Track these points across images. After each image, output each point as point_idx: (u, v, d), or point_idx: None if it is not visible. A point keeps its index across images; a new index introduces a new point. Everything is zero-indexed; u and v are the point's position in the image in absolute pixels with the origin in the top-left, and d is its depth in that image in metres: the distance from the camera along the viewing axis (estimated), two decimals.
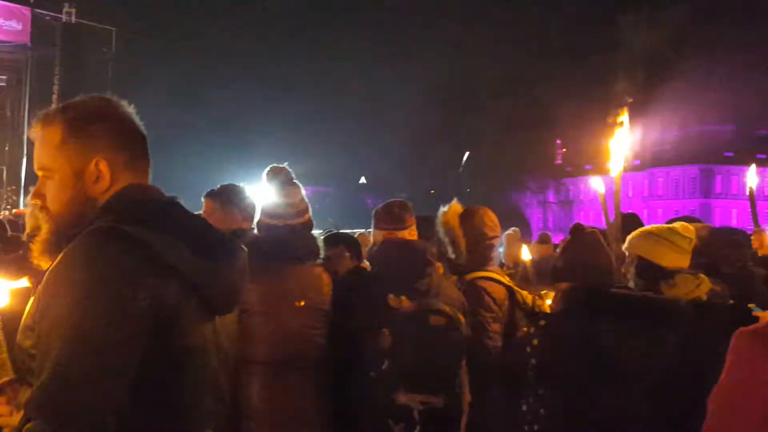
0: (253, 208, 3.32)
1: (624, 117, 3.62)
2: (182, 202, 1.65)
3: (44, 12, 16.87)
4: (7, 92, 19.17)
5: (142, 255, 1.38)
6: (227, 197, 3.27)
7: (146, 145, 1.63)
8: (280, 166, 3.13)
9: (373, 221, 3.33)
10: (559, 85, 48.78)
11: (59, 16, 16.90)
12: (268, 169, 3.12)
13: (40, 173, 1.55)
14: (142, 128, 1.62)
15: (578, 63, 51.75)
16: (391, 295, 2.98)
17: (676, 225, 3.15)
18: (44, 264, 1.49)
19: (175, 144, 17.51)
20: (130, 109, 1.61)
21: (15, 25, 16.74)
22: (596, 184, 4.80)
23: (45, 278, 1.40)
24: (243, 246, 1.72)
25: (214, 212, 3.20)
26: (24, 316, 1.45)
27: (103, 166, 1.51)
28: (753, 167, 5.51)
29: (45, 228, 1.53)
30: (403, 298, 2.99)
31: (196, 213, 2.86)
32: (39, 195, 1.54)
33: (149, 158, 1.63)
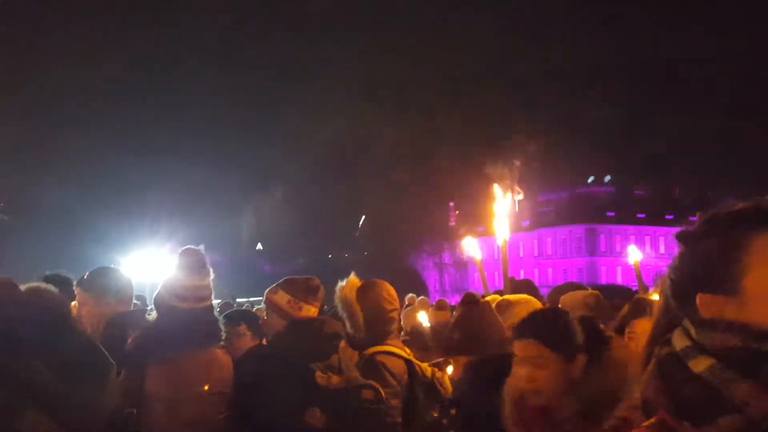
0: (129, 288, 3.28)
1: (507, 183, 3.91)
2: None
3: None
4: None
5: (14, 391, 1.32)
6: (99, 285, 3.21)
7: None
8: (195, 248, 3.10)
9: (278, 294, 3.25)
10: (451, 148, 50.56)
11: None
12: (181, 250, 3.08)
13: None
14: None
15: (470, 125, 53.94)
16: (318, 373, 2.96)
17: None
18: None
19: (63, 214, 16.82)
20: None
21: None
22: (470, 247, 4.92)
23: None
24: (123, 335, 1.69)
25: (87, 302, 3.16)
26: None
27: None
28: (633, 246, 5.88)
29: None
30: (330, 374, 2.99)
31: (71, 304, 2.77)
32: None
33: None
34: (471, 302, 3.13)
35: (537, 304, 3.54)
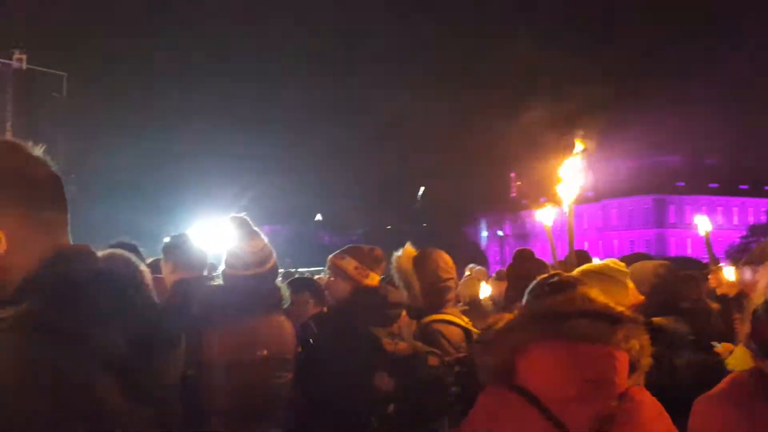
0: (203, 256, 3.35)
1: (578, 148, 3.73)
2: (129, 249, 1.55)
3: None
4: None
5: (91, 360, 1.32)
6: (177, 251, 3.30)
7: (58, 192, 1.47)
8: (240, 215, 3.14)
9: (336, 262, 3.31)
10: (512, 117, 49.75)
11: (9, 62, 16.82)
12: (228, 218, 3.15)
13: None
14: (52, 174, 1.47)
15: (532, 94, 52.90)
16: (385, 339, 3.02)
17: (608, 261, 3.24)
18: None
19: (127, 186, 17.33)
20: (36, 152, 1.45)
21: None
22: (543, 216, 4.90)
23: None
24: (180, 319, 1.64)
25: (166, 265, 3.27)
26: None
27: None
28: (702, 216, 5.72)
29: None
30: (398, 341, 3.04)
31: (149, 263, 2.86)
32: None
33: (64, 206, 1.48)
34: (521, 254, 3.07)
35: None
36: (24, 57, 16.72)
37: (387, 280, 3.57)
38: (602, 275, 3.06)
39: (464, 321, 3.62)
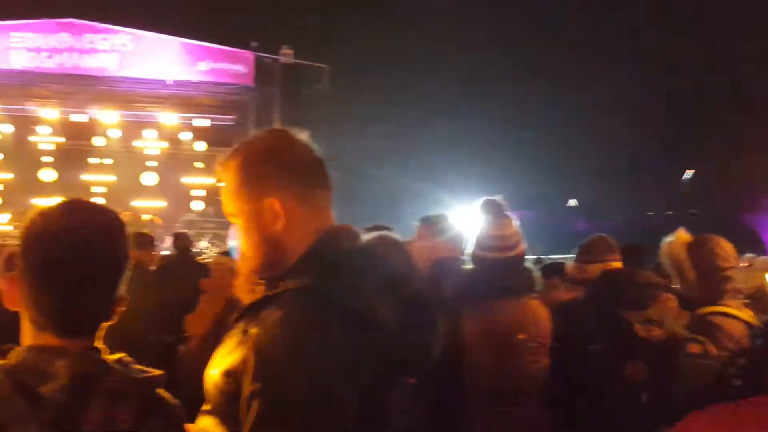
0: (460, 240, 3.40)
1: None
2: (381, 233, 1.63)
3: (265, 54, 18.55)
4: (234, 131, 21.23)
5: (361, 327, 1.40)
6: (439, 226, 3.41)
7: (325, 174, 1.60)
8: (493, 197, 3.17)
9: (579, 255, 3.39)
10: None
11: (278, 57, 18.47)
12: (481, 200, 3.18)
13: (229, 218, 1.60)
14: (319, 157, 1.59)
15: None
16: (638, 325, 2.92)
17: None
18: (245, 298, 1.58)
19: (386, 173, 18.17)
20: (304, 138, 1.59)
21: (240, 68, 18.62)
22: None
23: (258, 335, 1.39)
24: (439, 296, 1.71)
25: (424, 238, 3.37)
26: (226, 358, 1.48)
27: (277, 206, 1.50)
28: None
29: (243, 268, 1.60)
30: (651, 326, 2.93)
31: (404, 241, 2.98)
32: (233, 238, 1.60)
33: (330, 188, 1.60)
34: None
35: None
36: (291, 52, 18.34)
37: (655, 268, 3.39)
38: None
39: (747, 314, 3.24)
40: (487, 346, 2.93)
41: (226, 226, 1.60)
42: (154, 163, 23.32)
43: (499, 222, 3.08)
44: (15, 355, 1.29)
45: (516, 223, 3.14)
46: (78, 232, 1.31)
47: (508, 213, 3.13)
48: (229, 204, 1.58)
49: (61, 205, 1.36)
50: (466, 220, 4.00)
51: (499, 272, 3.02)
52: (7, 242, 11.79)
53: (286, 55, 18.39)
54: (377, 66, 19.48)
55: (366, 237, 1.62)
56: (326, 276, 1.44)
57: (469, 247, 3.22)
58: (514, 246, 3.09)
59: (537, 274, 3.24)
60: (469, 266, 3.21)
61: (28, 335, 1.33)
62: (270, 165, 1.54)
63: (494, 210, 3.11)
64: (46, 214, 1.34)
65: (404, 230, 4.28)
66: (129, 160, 23.04)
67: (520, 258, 3.14)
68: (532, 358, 2.99)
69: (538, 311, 3.09)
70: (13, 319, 1.36)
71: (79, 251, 1.30)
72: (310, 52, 18.54)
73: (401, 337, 1.46)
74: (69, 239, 1.30)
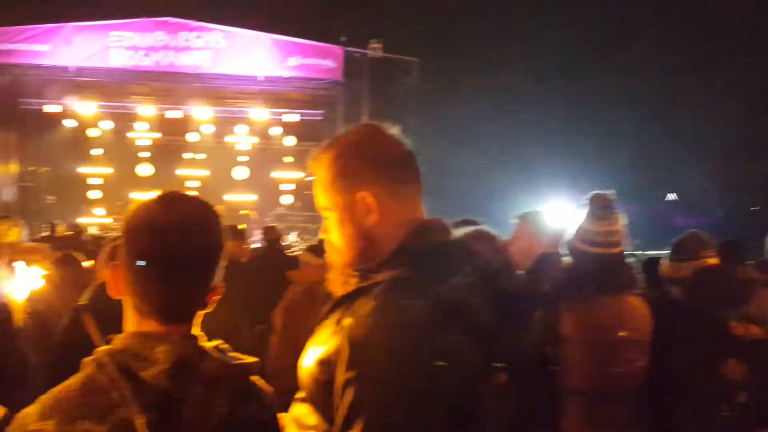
0: (561, 235, 3.39)
1: None
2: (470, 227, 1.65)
3: (353, 49, 18.71)
4: (323, 126, 21.55)
5: (454, 319, 1.40)
6: (539, 223, 3.40)
7: (416, 168, 1.63)
8: (603, 192, 3.13)
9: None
10: None
11: (366, 51, 18.60)
12: (590, 195, 3.14)
13: (321, 212, 1.64)
14: (410, 150, 1.63)
15: None
16: (733, 322, 2.85)
17: None
18: (338, 291, 1.61)
19: (478, 167, 18.01)
20: (395, 132, 1.63)
21: (329, 63, 18.86)
22: None
23: (351, 325, 1.42)
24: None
25: (524, 234, 3.37)
26: (320, 348, 1.51)
27: (369, 199, 1.54)
28: None
29: (335, 261, 1.64)
30: (748, 324, 2.85)
31: (498, 236, 3.01)
32: (325, 231, 1.64)
33: (420, 181, 1.62)
34: None
35: None
36: (380, 46, 18.41)
37: (758, 264, 3.29)
38: None
39: None
40: (586, 343, 2.90)
41: (315, 219, 1.65)
42: (245, 158, 23.98)
43: (608, 217, 3.05)
44: (119, 341, 1.35)
45: (624, 220, 3.11)
46: (177, 224, 1.37)
47: (617, 209, 3.10)
48: (322, 198, 1.61)
49: (160, 198, 1.42)
50: (562, 214, 3.99)
51: (602, 268, 3.00)
52: (107, 234, 12.41)
53: (375, 49, 18.49)
54: (467, 58, 19.31)
55: (460, 231, 1.63)
56: (419, 268, 1.46)
57: (570, 241, 3.19)
58: (619, 243, 3.07)
59: (636, 270, 3.22)
60: (568, 260, 3.19)
61: (130, 322, 1.39)
62: (362, 159, 1.57)
63: (604, 205, 3.07)
64: (147, 207, 1.40)
65: (497, 224, 4.27)
66: (221, 155, 23.78)
67: (622, 255, 3.11)
68: (633, 357, 2.94)
69: (640, 308, 3.04)
70: (117, 307, 1.44)
71: (178, 242, 1.35)
72: (399, 45, 18.57)
73: (493, 332, 1.47)
74: (169, 230, 1.35)
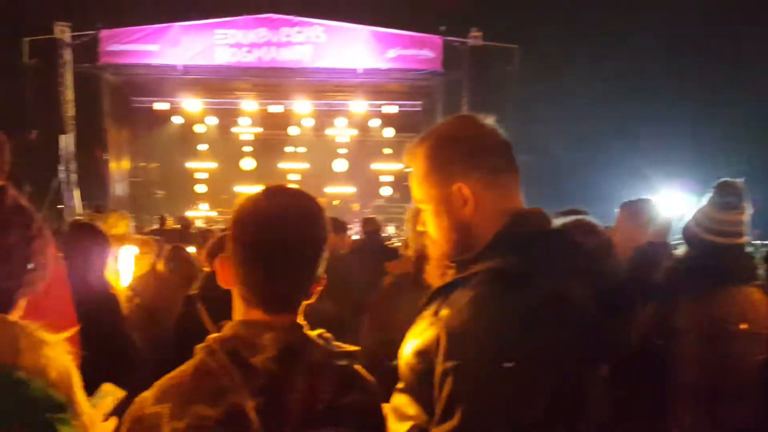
0: (667, 225, 3.34)
1: None
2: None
3: (453, 38, 18.61)
4: (421, 117, 21.58)
5: (555, 309, 1.40)
6: (643, 212, 3.33)
7: (512, 158, 1.62)
8: (732, 180, 3.05)
9: None
10: None
11: (466, 40, 18.46)
12: (719, 182, 3.06)
13: (418, 204, 1.66)
14: (506, 140, 1.62)
15: None
16: None
17: None
18: (435, 282, 1.62)
19: (583, 156, 17.57)
20: (490, 122, 1.63)
21: (428, 53, 18.84)
22: None
23: (449, 316, 1.44)
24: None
25: (626, 224, 3.31)
26: (417, 339, 1.53)
27: (465, 190, 1.55)
28: None
29: (432, 253, 1.66)
30: None
31: (602, 225, 2.97)
32: (423, 224, 1.66)
33: (517, 171, 1.62)
34: None
35: None
36: (480, 34, 18.24)
37: None
38: None
39: None
40: (704, 335, 2.82)
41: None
42: (344, 150, 24.33)
43: (736, 206, 2.97)
44: (228, 329, 1.42)
45: (749, 210, 3.01)
46: (283, 216, 1.41)
47: (746, 198, 3.00)
48: (418, 190, 1.64)
49: (267, 191, 1.47)
50: (673, 203, 3.89)
51: (723, 259, 2.92)
52: (212, 227, 12.87)
53: (475, 37, 18.33)
54: (570, 44, 18.83)
55: (559, 220, 1.62)
56: (517, 257, 1.46)
57: (690, 229, 3.10)
58: (743, 233, 2.98)
59: (759, 261, 3.09)
60: (682, 249, 3.11)
61: (238, 311, 1.45)
62: (457, 150, 1.58)
63: (733, 193, 2.98)
64: (254, 200, 1.45)
65: (603, 214, 4.20)
66: (321, 148, 24.23)
67: (744, 245, 3.02)
68: (753, 350, 2.84)
69: (759, 300, 2.93)
70: (226, 296, 1.52)
71: (284, 233, 1.40)
72: (499, 33, 18.32)
73: (596, 323, 1.45)
74: (275, 222, 1.40)
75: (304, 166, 24.42)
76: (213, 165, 24.56)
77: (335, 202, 22.32)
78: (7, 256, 1.37)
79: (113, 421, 1.53)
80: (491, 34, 18.32)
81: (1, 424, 1.17)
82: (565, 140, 17.43)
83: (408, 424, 1.49)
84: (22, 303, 1.40)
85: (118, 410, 1.75)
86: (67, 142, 18.39)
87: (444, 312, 1.45)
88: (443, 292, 1.54)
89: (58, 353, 1.31)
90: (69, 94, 18.44)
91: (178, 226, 12.20)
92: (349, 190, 24.43)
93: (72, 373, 1.33)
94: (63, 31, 18.30)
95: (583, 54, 18.77)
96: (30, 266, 1.40)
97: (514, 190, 1.61)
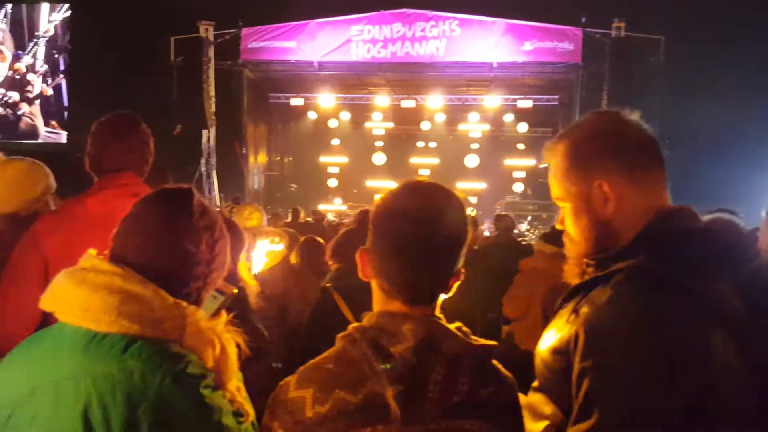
0: None
1: None
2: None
3: (594, 30, 18.05)
4: (557, 111, 21.12)
5: (703, 312, 1.36)
6: None
7: (657, 154, 1.58)
8: None
9: None
10: None
11: (608, 32, 17.87)
12: None
13: (556, 202, 1.66)
14: (650, 136, 1.59)
15: None
16: None
17: None
18: (574, 281, 1.60)
19: (736, 151, 16.57)
20: (634, 118, 1.60)
21: (567, 46, 18.37)
22: None
23: (588, 314, 1.43)
24: None
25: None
26: (554, 336, 1.54)
27: (607, 187, 1.53)
28: None
29: (572, 251, 1.64)
30: None
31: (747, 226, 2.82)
32: (561, 222, 1.66)
33: (663, 167, 1.58)
34: None
35: None
36: (622, 25, 17.56)
37: None
38: None
39: None
40: None
41: (547, 208, 1.67)
42: (476, 146, 24.24)
43: None
44: (368, 319, 1.48)
45: None
46: (423, 210, 1.45)
47: None
48: (557, 188, 1.63)
49: (407, 186, 1.51)
50: None
51: None
52: (343, 221, 13.15)
53: (618, 28, 17.71)
54: (719, 32, 17.77)
55: (705, 218, 1.57)
56: (660, 255, 1.43)
57: None
58: None
59: None
60: None
61: (378, 302, 1.51)
62: (598, 147, 1.57)
63: None
64: (394, 194, 1.50)
65: (753, 216, 3.93)
66: (452, 143, 24.28)
67: None
68: None
69: None
70: (359, 289, 1.58)
71: (425, 226, 1.43)
72: (642, 23, 17.58)
73: (746, 325, 1.40)
74: (415, 216, 1.44)
75: (435, 161, 24.55)
76: (345, 159, 25.15)
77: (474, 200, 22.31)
78: (197, 261, 1.59)
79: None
80: (635, 25, 17.62)
81: (157, 384, 1.39)
82: (719, 135, 16.48)
83: (544, 423, 1.50)
84: (204, 297, 1.64)
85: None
86: (208, 136, 19.38)
87: (583, 310, 1.45)
88: (582, 290, 1.54)
89: (220, 342, 1.54)
90: (211, 90, 19.40)
91: (311, 219, 12.57)
92: (480, 185, 24.32)
93: (229, 360, 1.54)
94: (207, 30, 19.27)
95: (734, 44, 17.67)
96: (213, 266, 1.63)
97: (658, 187, 1.57)
